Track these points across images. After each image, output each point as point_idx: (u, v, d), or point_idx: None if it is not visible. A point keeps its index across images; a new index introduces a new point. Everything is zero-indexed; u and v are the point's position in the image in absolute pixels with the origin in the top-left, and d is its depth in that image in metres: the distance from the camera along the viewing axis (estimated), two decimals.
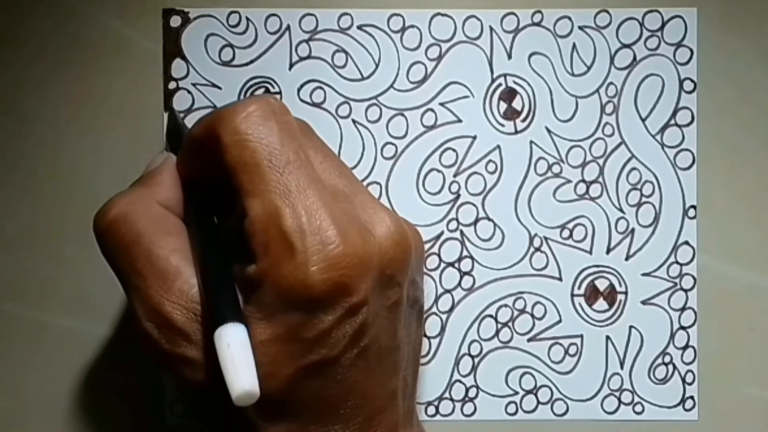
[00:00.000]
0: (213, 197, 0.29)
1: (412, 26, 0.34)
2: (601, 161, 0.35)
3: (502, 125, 0.35)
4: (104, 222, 0.28)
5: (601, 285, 0.35)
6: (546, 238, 0.35)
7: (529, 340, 0.35)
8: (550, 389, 0.35)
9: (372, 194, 0.29)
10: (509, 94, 0.35)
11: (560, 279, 0.35)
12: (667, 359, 0.35)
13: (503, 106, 0.35)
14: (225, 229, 0.28)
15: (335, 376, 0.26)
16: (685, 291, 0.35)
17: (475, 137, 0.35)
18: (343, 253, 0.25)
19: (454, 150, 0.35)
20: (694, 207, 0.35)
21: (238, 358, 0.23)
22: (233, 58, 0.34)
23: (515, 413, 0.35)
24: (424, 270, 0.34)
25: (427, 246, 0.34)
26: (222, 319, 0.24)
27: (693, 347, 0.35)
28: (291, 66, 0.34)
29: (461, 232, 0.35)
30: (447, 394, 0.35)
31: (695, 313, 0.35)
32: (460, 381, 0.35)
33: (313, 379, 0.26)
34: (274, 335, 0.25)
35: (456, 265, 0.35)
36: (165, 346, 0.26)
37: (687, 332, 0.35)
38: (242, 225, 0.26)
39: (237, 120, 0.26)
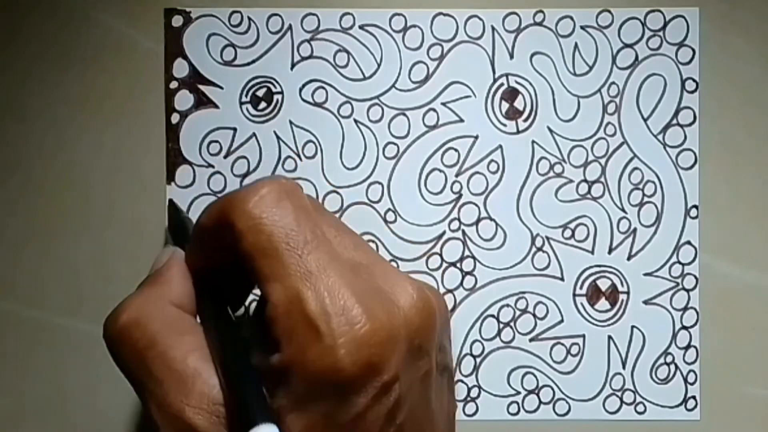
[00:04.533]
0: (226, 288, 0.28)
1: (414, 26, 0.34)
2: (603, 161, 0.35)
3: (504, 125, 0.35)
4: (115, 328, 0.26)
5: (603, 285, 0.35)
6: (548, 238, 0.35)
7: (531, 340, 0.35)
8: (552, 389, 0.35)
9: (388, 263, 0.28)
10: (511, 94, 0.35)
11: (562, 279, 0.35)
12: (669, 359, 0.35)
13: (505, 105, 0.35)
14: (240, 321, 0.27)
15: None
16: (687, 291, 0.35)
17: (477, 137, 0.35)
18: (370, 331, 0.24)
19: (455, 150, 0.35)
20: (696, 207, 0.35)
21: None
22: (235, 58, 0.34)
23: (517, 413, 0.35)
24: (450, 334, 0.33)
25: (428, 246, 0.34)
26: (253, 421, 0.23)
27: (695, 347, 0.35)
28: (293, 66, 0.34)
29: (463, 231, 0.35)
30: None
31: (697, 312, 0.35)
32: (462, 381, 0.35)
33: None
34: (308, 426, 0.24)
35: (458, 264, 0.34)
36: None
37: (689, 332, 0.35)
38: (263, 312, 0.25)
39: (250, 205, 0.25)
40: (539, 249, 0.35)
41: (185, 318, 0.27)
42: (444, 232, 0.34)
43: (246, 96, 0.34)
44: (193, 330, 0.27)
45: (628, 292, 0.35)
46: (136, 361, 0.26)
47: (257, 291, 0.31)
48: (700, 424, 0.35)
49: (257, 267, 0.25)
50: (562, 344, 0.35)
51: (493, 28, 0.34)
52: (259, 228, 0.25)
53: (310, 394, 0.24)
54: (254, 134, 0.34)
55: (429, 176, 0.35)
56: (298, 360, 0.24)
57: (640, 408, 0.35)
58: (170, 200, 0.34)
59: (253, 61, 0.34)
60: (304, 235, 0.25)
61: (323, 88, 0.34)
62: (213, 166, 0.34)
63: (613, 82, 0.34)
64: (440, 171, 0.35)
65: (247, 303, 0.30)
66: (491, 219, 0.35)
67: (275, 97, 0.34)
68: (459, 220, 0.35)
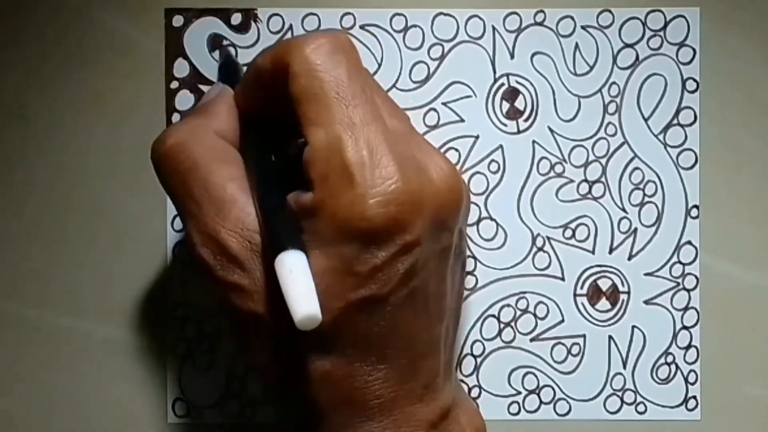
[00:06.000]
0: (270, 132, 0.29)
1: (415, 26, 0.34)
2: (603, 161, 0.35)
3: (505, 125, 0.35)
4: (162, 149, 0.28)
5: (604, 285, 0.35)
6: (548, 238, 0.35)
7: (531, 340, 0.35)
8: (553, 389, 0.35)
9: (424, 137, 0.28)
10: (512, 94, 0.35)
11: (563, 279, 0.35)
12: (669, 359, 0.35)
13: (506, 105, 0.35)
14: (280, 163, 0.28)
15: (383, 315, 0.26)
16: (688, 291, 0.35)
17: (477, 137, 0.35)
18: (401, 190, 0.25)
19: (456, 150, 0.35)
20: (696, 207, 0.35)
21: (300, 283, 0.23)
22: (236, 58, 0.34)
23: (518, 413, 0.35)
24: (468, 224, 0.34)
25: None
26: (283, 245, 0.24)
27: (696, 347, 0.35)
28: None
29: None
30: None
31: (698, 312, 0.35)
32: (462, 381, 0.35)
33: (362, 315, 0.25)
34: (327, 266, 0.25)
35: None
36: (219, 272, 0.26)
37: (690, 332, 0.35)
38: (301, 154, 0.26)
39: (307, 50, 0.26)
40: (540, 249, 0.35)
41: (228, 149, 0.28)
42: None
43: None
44: (234, 161, 0.28)
45: (628, 292, 0.35)
46: (179, 182, 0.27)
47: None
48: (700, 424, 0.35)
49: (304, 110, 0.26)
50: (563, 344, 0.35)
51: (493, 28, 0.34)
52: (312, 73, 0.26)
53: (335, 238, 0.25)
54: None
55: None
56: (328, 203, 0.25)
57: (641, 408, 0.35)
58: (223, 45, 0.34)
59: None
60: (353, 89, 0.26)
61: None
62: None
63: (614, 82, 0.34)
64: None
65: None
66: (492, 219, 0.35)
67: None
68: None
